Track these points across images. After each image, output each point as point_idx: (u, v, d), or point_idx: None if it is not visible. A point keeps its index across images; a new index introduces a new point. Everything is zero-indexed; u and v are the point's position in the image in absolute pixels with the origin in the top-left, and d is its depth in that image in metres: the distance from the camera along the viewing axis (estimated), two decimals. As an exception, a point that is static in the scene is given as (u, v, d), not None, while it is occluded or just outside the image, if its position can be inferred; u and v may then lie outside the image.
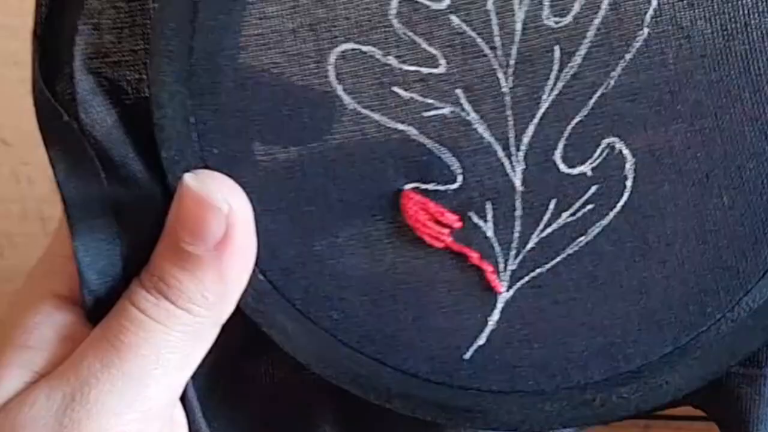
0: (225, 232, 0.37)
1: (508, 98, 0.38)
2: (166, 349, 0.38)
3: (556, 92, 0.38)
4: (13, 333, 0.40)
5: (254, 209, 0.38)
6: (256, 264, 0.39)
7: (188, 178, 0.38)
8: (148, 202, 0.39)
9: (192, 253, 0.38)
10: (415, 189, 0.38)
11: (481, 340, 0.40)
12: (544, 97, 0.38)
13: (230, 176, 0.39)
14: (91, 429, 0.37)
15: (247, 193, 0.38)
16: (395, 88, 0.38)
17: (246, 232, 0.38)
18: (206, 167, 0.39)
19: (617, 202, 0.38)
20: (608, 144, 0.38)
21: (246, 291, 0.39)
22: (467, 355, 0.40)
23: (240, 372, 0.44)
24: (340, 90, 0.38)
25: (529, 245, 0.39)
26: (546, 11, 0.37)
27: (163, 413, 0.39)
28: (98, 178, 0.39)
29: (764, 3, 0.37)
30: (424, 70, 0.38)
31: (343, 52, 0.38)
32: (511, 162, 0.38)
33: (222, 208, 0.37)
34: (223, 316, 0.39)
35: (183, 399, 0.41)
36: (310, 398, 0.44)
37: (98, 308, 0.40)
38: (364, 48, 0.38)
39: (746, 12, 0.37)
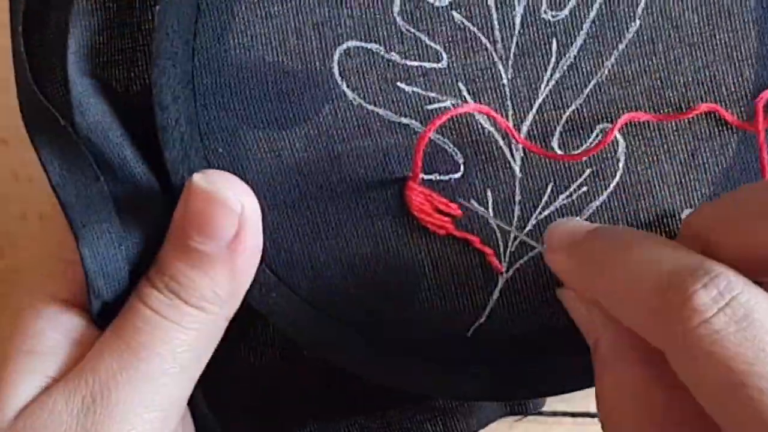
0: (237, 231, 0.38)
1: (507, 89, 0.39)
2: (182, 347, 0.39)
3: (553, 82, 0.39)
4: (17, 339, 0.40)
5: (261, 206, 0.39)
6: (263, 259, 0.40)
7: (198, 178, 0.38)
8: (149, 201, 0.39)
9: (204, 252, 0.38)
10: (418, 180, 0.40)
11: (482, 318, 0.41)
12: (542, 87, 0.39)
13: (236, 174, 0.39)
14: (113, 431, 0.38)
15: (253, 190, 0.39)
16: (399, 83, 0.39)
17: (257, 230, 0.39)
18: (210, 167, 0.39)
19: (610, 183, 0.40)
20: (602, 129, 0.40)
21: (252, 285, 0.40)
22: (469, 333, 0.42)
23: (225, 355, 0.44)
24: (344, 86, 0.39)
25: (528, 227, 0.40)
26: (544, 6, 0.39)
27: (180, 409, 0.40)
28: (98, 182, 0.39)
29: None
30: (427, 65, 0.39)
31: (347, 49, 0.39)
32: (510, 150, 0.40)
33: (235, 208, 0.38)
34: (233, 311, 0.40)
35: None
36: (294, 384, 0.45)
37: (106, 312, 0.40)
38: (368, 45, 0.39)
39: (729, 2, 0.39)
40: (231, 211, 0.38)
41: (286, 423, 0.46)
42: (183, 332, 0.39)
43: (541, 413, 0.48)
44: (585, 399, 0.47)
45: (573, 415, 0.48)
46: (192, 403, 0.43)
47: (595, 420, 0.39)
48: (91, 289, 0.39)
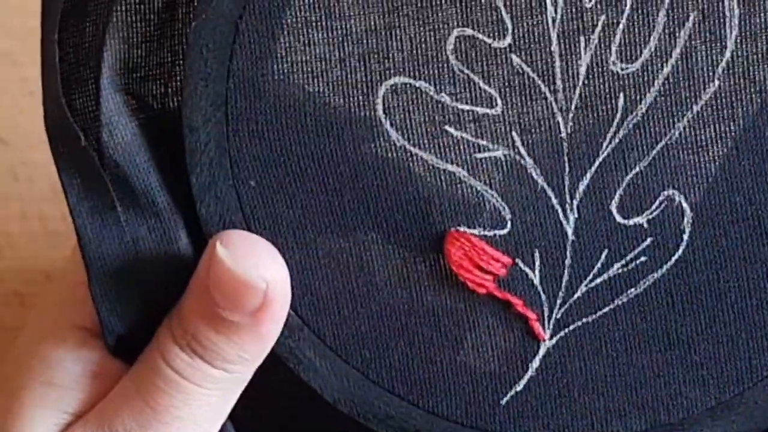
0: (262, 303, 0.35)
1: (566, 144, 0.36)
2: (203, 408, 0.37)
3: (617, 141, 0.36)
4: (35, 368, 0.38)
5: (290, 246, 0.37)
6: None
7: (221, 252, 0.35)
8: (168, 236, 0.37)
9: (228, 319, 0.36)
10: (460, 233, 0.37)
11: (519, 387, 0.38)
12: (605, 144, 0.36)
13: (264, 206, 0.37)
14: None
15: (283, 228, 0.37)
16: (447, 127, 0.36)
17: (284, 298, 0.36)
18: (239, 198, 0.37)
19: (672, 255, 0.37)
20: (667, 196, 0.36)
21: None
22: (503, 401, 0.38)
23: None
24: (387, 125, 0.36)
25: (577, 294, 0.37)
26: (613, 56, 0.35)
27: None
28: (114, 212, 0.37)
29: None
30: (479, 110, 0.36)
31: (393, 85, 0.36)
32: (564, 210, 0.36)
33: (260, 286, 0.35)
34: (256, 366, 0.38)
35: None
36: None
37: (122, 346, 0.38)
38: (417, 83, 0.36)
39: None
40: (255, 288, 0.35)
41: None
42: (205, 395, 0.37)
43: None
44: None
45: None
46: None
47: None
48: (104, 327, 0.37)
